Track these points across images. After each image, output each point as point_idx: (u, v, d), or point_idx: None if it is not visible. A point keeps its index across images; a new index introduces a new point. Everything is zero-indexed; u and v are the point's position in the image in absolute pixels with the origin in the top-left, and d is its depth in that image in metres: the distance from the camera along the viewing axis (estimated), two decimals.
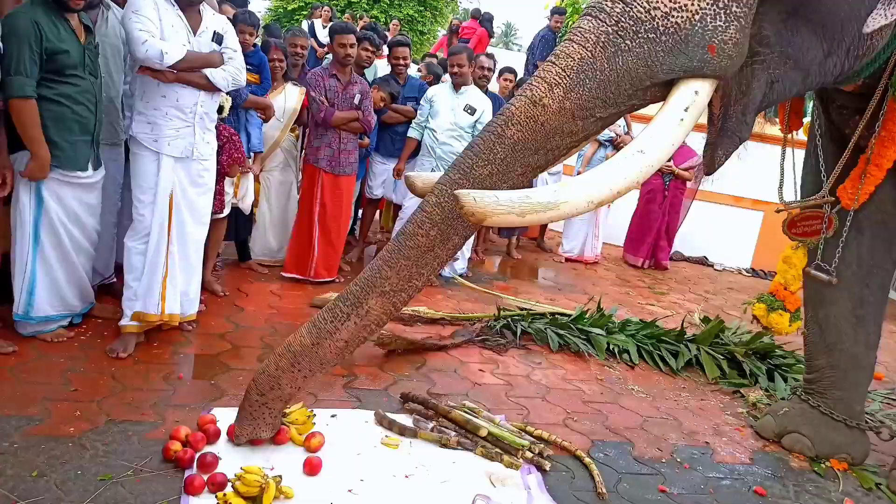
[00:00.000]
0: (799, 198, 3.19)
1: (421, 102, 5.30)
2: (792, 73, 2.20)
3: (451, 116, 5.09)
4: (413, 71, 6.46)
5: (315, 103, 4.58)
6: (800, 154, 3.23)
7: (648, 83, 1.96)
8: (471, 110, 5.09)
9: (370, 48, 5.15)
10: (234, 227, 4.74)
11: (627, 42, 1.91)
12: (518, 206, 1.83)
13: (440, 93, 5.22)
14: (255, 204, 4.73)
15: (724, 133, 2.23)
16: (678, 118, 1.97)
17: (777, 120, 3.23)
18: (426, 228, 2.07)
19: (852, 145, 2.87)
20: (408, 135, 5.32)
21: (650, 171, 1.99)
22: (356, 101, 4.68)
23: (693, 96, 1.98)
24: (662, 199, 7.24)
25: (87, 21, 3.19)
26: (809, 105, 3.60)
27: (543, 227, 7.52)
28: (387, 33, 8.95)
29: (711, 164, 2.31)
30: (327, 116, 4.56)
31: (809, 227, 3.13)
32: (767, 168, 8.38)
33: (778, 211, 3.19)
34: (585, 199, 1.92)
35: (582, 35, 1.95)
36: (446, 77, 5.66)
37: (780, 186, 3.17)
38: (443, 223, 2.06)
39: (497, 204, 1.81)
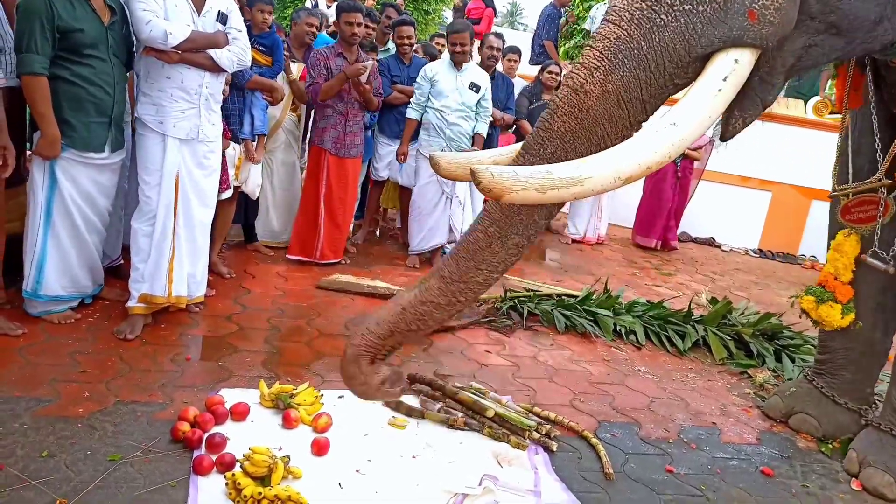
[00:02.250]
0: (851, 182, 2.98)
1: (418, 81, 5.06)
2: (833, 39, 2.02)
3: (458, 96, 4.95)
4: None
5: (312, 83, 4.53)
6: (827, 136, 3.10)
7: (688, 59, 1.84)
8: (475, 88, 5.00)
9: (371, 24, 5.07)
10: (242, 210, 4.74)
11: (663, 16, 1.79)
12: (538, 181, 1.68)
13: (442, 71, 5.01)
14: None
15: (745, 95, 2.02)
16: (716, 88, 1.83)
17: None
18: (484, 224, 1.96)
19: None
20: (407, 116, 5.10)
21: (683, 146, 1.84)
22: (363, 79, 4.63)
23: (733, 65, 1.83)
24: (675, 179, 7.16)
25: (112, 2, 3.17)
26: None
27: None
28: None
29: (726, 128, 2.11)
30: (314, 94, 4.52)
31: (865, 212, 2.97)
32: (775, 147, 8.26)
33: (831, 196, 3.05)
34: (612, 175, 1.76)
35: (616, 14, 1.84)
36: None
37: (835, 170, 3.01)
38: (501, 220, 1.94)
39: (516, 179, 1.66)
